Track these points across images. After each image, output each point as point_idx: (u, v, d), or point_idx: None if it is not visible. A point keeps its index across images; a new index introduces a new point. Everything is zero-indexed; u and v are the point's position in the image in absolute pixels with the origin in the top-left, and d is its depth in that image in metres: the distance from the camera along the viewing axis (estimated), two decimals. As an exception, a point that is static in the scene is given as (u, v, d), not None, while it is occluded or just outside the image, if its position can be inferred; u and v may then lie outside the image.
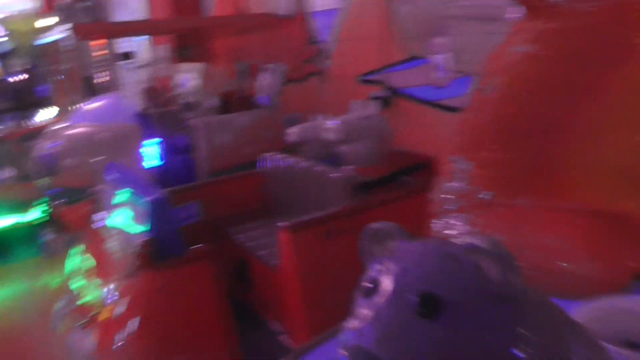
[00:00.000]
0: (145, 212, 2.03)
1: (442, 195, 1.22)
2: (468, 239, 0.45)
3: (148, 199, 2.01)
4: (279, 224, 2.26)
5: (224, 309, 2.12)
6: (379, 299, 0.46)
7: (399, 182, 2.66)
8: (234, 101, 4.18)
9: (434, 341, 0.43)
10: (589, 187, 1.00)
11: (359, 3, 3.99)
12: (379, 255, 0.50)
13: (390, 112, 3.74)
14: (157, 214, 2.03)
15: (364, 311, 0.46)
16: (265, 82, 4.09)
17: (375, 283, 0.47)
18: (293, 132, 2.99)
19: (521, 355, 0.43)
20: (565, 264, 0.90)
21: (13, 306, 3.66)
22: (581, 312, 0.74)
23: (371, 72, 3.92)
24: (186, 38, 5.55)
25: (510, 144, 1.05)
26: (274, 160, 2.99)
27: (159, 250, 2.03)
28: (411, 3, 3.50)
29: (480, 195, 1.11)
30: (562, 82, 0.95)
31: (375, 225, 0.54)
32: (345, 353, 0.45)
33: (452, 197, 1.18)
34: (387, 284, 0.46)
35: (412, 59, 3.55)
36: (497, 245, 0.44)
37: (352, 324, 0.46)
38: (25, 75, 7.92)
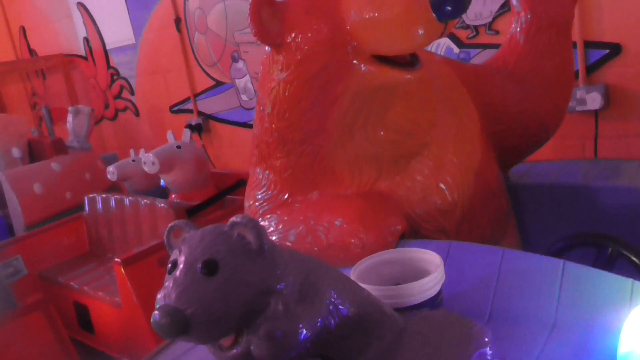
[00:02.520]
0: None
1: (255, 203, 1.38)
2: (232, 219, 0.67)
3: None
4: (115, 260, 2.31)
5: (67, 354, 2.12)
6: (177, 272, 0.64)
7: (222, 202, 2.85)
8: (41, 148, 3.98)
9: (215, 289, 0.63)
10: (354, 175, 1.26)
11: (153, 37, 4.09)
12: (176, 245, 0.69)
13: (206, 137, 3.94)
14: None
15: (168, 282, 0.64)
16: (72, 124, 3.97)
17: (174, 263, 0.66)
18: (112, 172, 3.03)
19: (279, 286, 0.66)
20: (352, 240, 1.13)
21: None
22: (359, 267, 0.98)
23: (181, 102, 4.07)
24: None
25: (291, 151, 1.25)
26: (100, 200, 2.98)
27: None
28: (203, 34, 3.73)
29: (280, 197, 1.32)
30: (310, 98, 1.18)
31: (171, 224, 0.72)
32: (156, 312, 0.62)
33: (261, 202, 1.36)
34: (181, 260, 0.65)
35: (217, 85, 3.79)
36: (250, 219, 0.66)
37: (159, 294, 0.64)
38: None
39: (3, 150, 3.94)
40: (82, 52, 4.79)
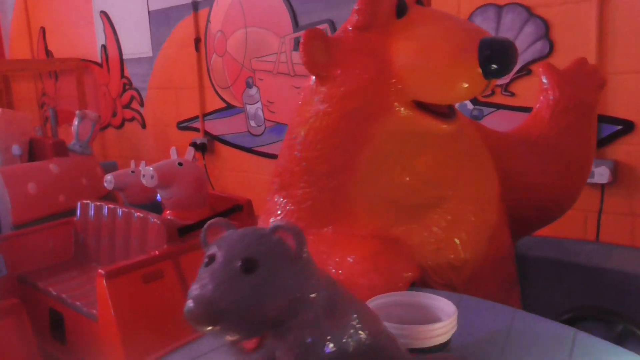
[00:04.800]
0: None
1: None
2: (275, 223, 0.68)
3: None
4: (98, 270, 2.24)
5: (36, 366, 2.03)
6: (215, 265, 0.64)
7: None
8: (42, 148, 3.95)
9: (252, 287, 0.63)
10: (373, 217, 1.25)
11: (170, 53, 4.13)
12: (213, 242, 0.68)
13: (209, 158, 3.92)
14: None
15: (204, 274, 0.64)
16: (77, 128, 3.96)
17: (212, 257, 0.66)
18: (109, 180, 2.99)
19: (312, 295, 0.67)
20: (362, 280, 1.11)
21: None
22: (370, 304, 0.93)
23: (189, 119, 4.07)
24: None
25: (314, 183, 1.26)
26: (92, 207, 2.93)
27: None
28: (221, 56, 3.76)
29: None
30: (345, 132, 1.20)
31: (210, 222, 0.73)
32: (190, 301, 0.62)
33: None
34: (219, 255, 0.65)
35: (228, 108, 3.79)
36: (293, 225, 0.67)
37: (194, 285, 0.64)
38: None
39: (3, 147, 3.90)
40: (98, 59, 4.82)
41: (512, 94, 2.41)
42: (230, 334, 0.64)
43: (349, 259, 1.16)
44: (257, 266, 0.64)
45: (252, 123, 3.65)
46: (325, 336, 0.67)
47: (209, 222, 0.73)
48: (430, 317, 0.93)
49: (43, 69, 5.37)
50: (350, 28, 1.22)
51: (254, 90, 3.61)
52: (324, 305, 0.68)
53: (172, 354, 1.06)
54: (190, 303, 0.62)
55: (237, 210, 2.81)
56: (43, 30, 5.46)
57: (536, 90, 1.57)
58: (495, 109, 2.48)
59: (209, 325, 0.62)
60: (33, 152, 4.01)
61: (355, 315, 0.72)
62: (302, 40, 1.17)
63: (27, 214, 3.41)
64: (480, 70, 1.06)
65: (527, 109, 2.29)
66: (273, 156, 3.54)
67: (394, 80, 1.14)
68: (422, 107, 1.16)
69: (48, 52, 5.45)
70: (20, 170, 3.59)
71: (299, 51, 1.20)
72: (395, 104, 1.15)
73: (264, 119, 3.56)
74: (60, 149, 3.86)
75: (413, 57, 1.13)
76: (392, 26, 1.17)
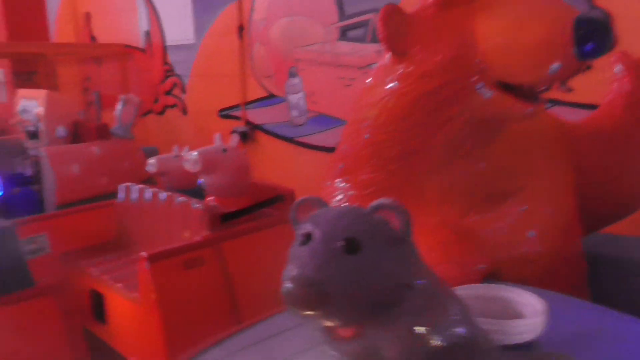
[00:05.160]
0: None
1: None
2: (378, 201, 0.62)
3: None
4: (141, 254, 2.23)
5: (76, 345, 2.03)
6: (314, 244, 0.59)
7: (258, 214, 2.77)
8: (86, 131, 4.00)
9: (355, 268, 0.58)
10: (444, 205, 1.20)
11: (213, 41, 4.12)
12: (304, 220, 0.63)
13: (250, 146, 3.89)
14: (1, 245, 1.91)
15: (302, 253, 0.58)
16: (119, 112, 3.99)
17: (308, 235, 0.60)
18: (153, 163, 2.98)
19: (418, 282, 0.61)
20: (435, 270, 1.08)
21: None
22: None
23: (230, 107, 4.05)
24: (27, 63, 5.21)
25: (382, 168, 1.21)
26: (133, 191, 2.93)
27: (2, 283, 1.90)
28: (265, 44, 3.72)
29: None
30: (420, 115, 1.14)
31: (301, 198, 0.67)
32: (289, 282, 0.56)
33: None
34: (317, 234, 0.59)
35: (269, 97, 3.76)
36: (398, 204, 0.62)
37: (291, 265, 0.58)
38: None
39: (49, 128, 3.96)
40: (141, 45, 4.85)
41: (570, 90, 2.30)
42: (332, 318, 0.59)
43: (422, 249, 1.10)
44: (360, 247, 0.58)
45: (294, 113, 3.61)
46: (431, 327, 0.62)
47: (300, 199, 0.67)
48: (511, 313, 0.87)
49: (87, 54, 5.44)
50: (430, 4, 1.15)
51: (296, 80, 3.57)
52: (427, 294, 0.63)
53: (210, 348, 1.02)
54: (288, 284, 0.57)
55: (279, 201, 2.77)
56: (88, 15, 5.53)
57: (597, 86, 1.47)
58: (551, 105, 2.37)
59: (311, 309, 0.56)
60: (77, 134, 4.06)
61: (456, 307, 0.66)
62: (380, 15, 1.12)
63: (70, 195, 3.45)
64: (575, 50, 0.99)
65: (586, 106, 2.17)
66: (315, 147, 3.49)
67: (478, 60, 1.08)
68: (507, 88, 1.09)
69: (92, 38, 5.52)
70: (65, 151, 3.64)
71: (376, 27, 1.14)
72: (478, 85, 1.09)
73: (307, 109, 3.51)
74: (103, 132, 3.91)
75: (500, 36, 1.06)
76: (475, 3, 1.10)
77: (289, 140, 3.66)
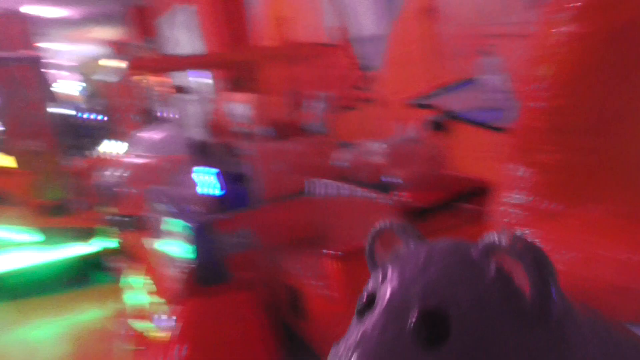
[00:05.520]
0: (189, 238, 2.07)
1: (501, 208, 1.06)
2: (487, 238, 0.32)
3: (192, 225, 2.06)
4: (330, 252, 2.23)
5: (272, 339, 2.10)
6: (372, 319, 0.34)
7: (454, 209, 2.56)
8: (288, 129, 4.26)
9: None
10: None
11: (402, 27, 3.99)
12: (384, 261, 0.39)
13: (444, 136, 3.68)
14: (201, 240, 2.06)
15: (355, 335, 0.35)
16: (316, 110, 4.13)
17: (371, 298, 0.36)
18: (341, 158, 2.99)
19: None
20: None
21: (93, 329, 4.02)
22: None
23: (422, 96, 3.88)
24: (240, 69, 5.75)
25: (568, 144, 0.92)
26: (322, 186, 2.98)
27: (203, 277, 2.05)
28: (454, 23, 3.45)
29: (542, 205, 0.97)
30: (613, 63, 0.83)
31: (382, 224, 0.40)
32: None
33: (512, 209, 1.03)
34: (383, 297, 0.34)
35: (463, 81, 3.48)
36: (526, 242, 0.30)
37: (342, 345, 0.34)
38: (99, 115, 8.57)
39: (256, 128, 4.30)
40: (332, 42, 4.96)
41: None
42: None
43: (624, 254, 0.81)
44: (448, 330, 0.31)
45: (493, 96, 3.28)
46: None
47: (377, 227, 0.42)
48: None
49: (285, 55, 5.78)
50: None
51: (493, 60, 3.24)
52: None
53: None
54: None
55: (477, 194, 2.51)
56: (283, 20, 5.88)
57: None
58: None
59: None
60: (282, 133, 4.34)
61: None
62: None
63: (273, 192, 3.67)
64: None
65: None
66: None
67: None
68: None
69: (286, 40, 5.86)
70: (273, 148, 3.90)
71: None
72: None
73: (508, 91, 3.17)
74: (302, 130, 4.09)
75: None
76: None
77: (487, 127, 3.35)
